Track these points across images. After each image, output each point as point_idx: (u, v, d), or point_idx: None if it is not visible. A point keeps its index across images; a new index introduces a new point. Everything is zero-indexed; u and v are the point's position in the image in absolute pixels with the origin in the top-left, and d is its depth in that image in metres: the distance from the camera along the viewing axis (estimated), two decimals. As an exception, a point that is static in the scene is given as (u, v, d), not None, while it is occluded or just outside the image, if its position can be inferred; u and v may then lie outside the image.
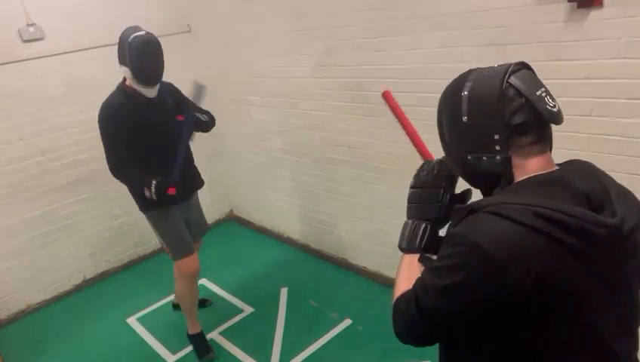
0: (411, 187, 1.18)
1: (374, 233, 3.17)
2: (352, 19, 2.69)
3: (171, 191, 2.33)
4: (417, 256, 1.08)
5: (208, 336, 2.95)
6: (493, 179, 0.96)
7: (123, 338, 3.11)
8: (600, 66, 1.83)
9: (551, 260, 0.83)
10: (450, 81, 1.03)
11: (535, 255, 0.83)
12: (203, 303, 3.22)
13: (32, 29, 3.18)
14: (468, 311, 0.89)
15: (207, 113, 2.65)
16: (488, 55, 2.14)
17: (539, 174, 0.93)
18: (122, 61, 2.33)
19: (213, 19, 3.76)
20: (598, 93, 1.87)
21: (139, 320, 3.27)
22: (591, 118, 1.92)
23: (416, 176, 1.19)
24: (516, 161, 0.93)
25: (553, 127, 1.89)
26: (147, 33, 2.31)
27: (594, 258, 0.86)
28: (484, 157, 0.94)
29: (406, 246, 1.11)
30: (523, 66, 0.95)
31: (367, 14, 2.60)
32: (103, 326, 3.26)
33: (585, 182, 0.93)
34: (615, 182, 1.01)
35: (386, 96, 1.42)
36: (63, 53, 3.35)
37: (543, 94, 0.91)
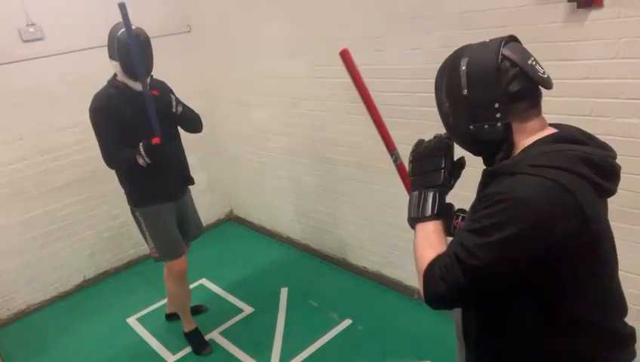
0: (411, 161, 1.22)
1: (374, 233, 3.17)
2: (352, 19, 2.69)
3: (156, 140, 2.31)
4: (431, 223, 1.10)
5: (208, 336, 2.95)
6: (496, 145, 1.04)
7: (123, 338, 3.11)
8: (600, 66, 1.83)
9: (592, 202, 0.95)
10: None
11: (581, 199, 0.92)
12: (199, 310, 3.19)
13: (32, 29, 3.18)
14: (516, 265, 0.93)
15: (186, 107, 2.60)
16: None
17: (546, 136, 1.02)
18: (112, 55, 2.34)
19: (213, 19, 3.76)
20: (598, 93, 1.87)
21: (139, 320, 3.27)
22: (591, 118, 1.92)
23: (414, 151, 1.24)
24: (516, 126, 1.02)
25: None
26: (136, 28, 2.32)
27: (608, 192, 1.02)
28: (486, 126, 1.02)
29: (418, 216, 1.12)
30: (511, 39, 1.06)
31: (367, 14, 2.60)
32: (103, 326, 3.25)
33: (582, 135, 1.04)
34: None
35: (344, 56, 1.38)
36: (63, 53, 3.35)
37: (533, 63, 1.02)
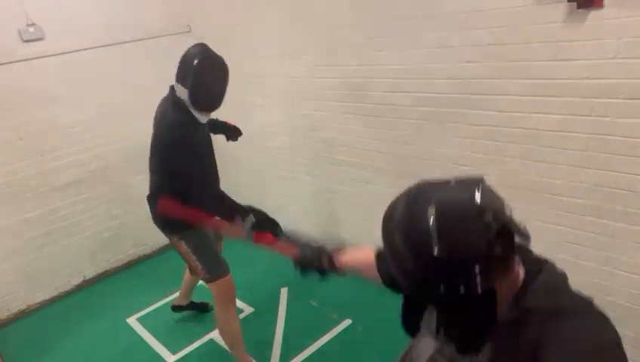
0: None
1: (374, 233, 3.16)
2: (352, 19, 2.69)
3: (270, 239, 2.14)
4: None
5: (208, 336, 2.96)
6: (475, 314, 0.83)
7: (123, 338, 3.11)
8: (600, 66, 1.83)
9: None
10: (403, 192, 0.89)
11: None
12: (205, 307, 3.17)
13: (32, 29, 3.18)
14: None
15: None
16: (488, 55, 2.15)
17: (532, 272, 0.88)
18: (182, 81, 2.14)
19: (213, 19, 3.76)
20: (598, 93, 1.87)
21: (139, 320, 3.27)
22: (591, 118, 1.92)
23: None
24: (498, 289, 0.82)
25: (553, 127, 1.90)
26: (216, 55, 2.17)
27: None
28: (462, 290, 0.79)
29: None
30: (481, 181, 0.84)
31: (367, 14, 2.60)
32: (103, 326, 3.25)
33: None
34: None
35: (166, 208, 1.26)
36: (63, 53, 3.35)
37: (510, 212, 0.82)
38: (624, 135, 1.86)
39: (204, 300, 3.17)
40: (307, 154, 3.43)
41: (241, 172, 4.27)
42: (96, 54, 3.47)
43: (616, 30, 1.75)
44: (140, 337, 3.09)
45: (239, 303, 3.28)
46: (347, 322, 2.93)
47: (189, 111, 2.19)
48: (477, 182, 0.82)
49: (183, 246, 2.40)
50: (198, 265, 2.43)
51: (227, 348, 2.83)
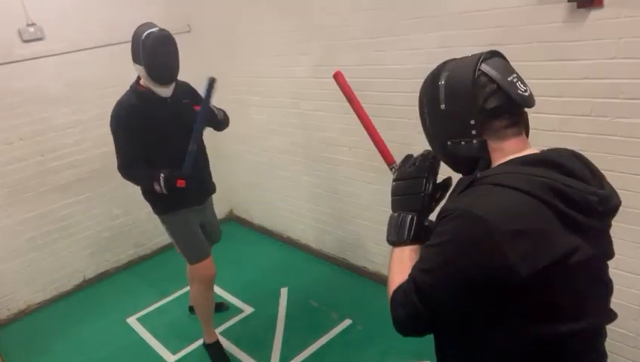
0: (394, 180, 1.18)
1: (374, 233, 3.17)
2: (352, 19, 2.69)
3: (180, 184, 2.22)
4: (407, 248, 1.08)
5: (208, 336, 2.96)
6: (473, 163, 1.01)
7: (123, 338, 3.11)
8: (600, 66, 1.83)
9: (552, 229, 0.87)
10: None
11: (538, 224, 0.86)
12: (219, 307, 3.14)
13: (32, 29, 3.18)
14: (472, 289, 0.88)
15: (222, 111, 2.58)
16: (488, 55, 2.15)
17: (523, 156, 0.97)
18: (136, 59, 2.24)
19: (213, 19, 3.76)
20: (598, 93, 1.87)
21: (139, 320, 3.27)
22: (591, 118, 1.92)
23: (399, 169, 1.20)
24: (493, 144, 0.99)
25: (553, 127, 1.91)
26: (161, 29, 2.24)
27: (584, 226, 0.90)
28: (463, 142, 0.99)
29: (395, 240, 1.10)
30: (494, 54, 1.03)
31: (367, 14, 2.60)
32: (103, 326, 3.26)
33: (568, 162, 0.95)
34: (594, 165, 1.03)
35: (337, 78, 1.49)
36: (63, 53, 3.35)
37: (515, 80, 0.98)
38: (624, 135, 1.86)
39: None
40: (307, 154, 3.43)
41: (241, 172, 4.27)
42: (96, 54, 3.47)
43: (616, 30, 1.75)
44: (140, 337, 3.09)
45: (239, 303, 3.29)
46: (347, 322, 2.93)
47: (139, 89, 2.29)
48: (484, 53, 1.01)
49: (165, 228, 2.54)
50: (177, 247, 2.57)
51: (226, 348, 2.85)
